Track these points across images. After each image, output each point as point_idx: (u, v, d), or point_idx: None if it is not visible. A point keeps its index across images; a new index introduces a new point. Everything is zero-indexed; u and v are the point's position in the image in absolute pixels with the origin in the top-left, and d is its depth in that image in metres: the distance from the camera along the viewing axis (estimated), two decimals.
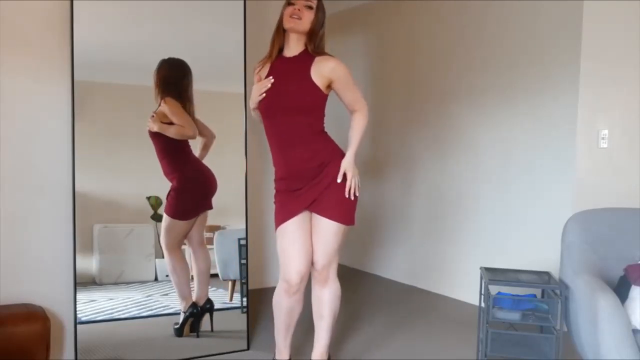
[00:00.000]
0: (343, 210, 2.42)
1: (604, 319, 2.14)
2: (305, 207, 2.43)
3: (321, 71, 2.35)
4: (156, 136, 2.83)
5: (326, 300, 2.53)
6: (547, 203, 3.53)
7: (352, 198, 2.42)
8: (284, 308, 2.52)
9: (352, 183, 2.40)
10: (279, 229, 2.47)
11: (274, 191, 2.53)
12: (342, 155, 2.43)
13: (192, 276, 2.97)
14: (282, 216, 2.45)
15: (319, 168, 2.40)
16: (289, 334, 2.59)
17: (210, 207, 2.98)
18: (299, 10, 2.33)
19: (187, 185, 2.91)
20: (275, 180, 2.50)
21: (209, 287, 3.01)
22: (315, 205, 2.42)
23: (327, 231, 2.43)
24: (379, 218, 4.85)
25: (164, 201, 2.88)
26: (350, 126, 2.48)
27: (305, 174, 2.40)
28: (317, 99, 2.37)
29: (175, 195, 2.87)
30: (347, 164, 2.41)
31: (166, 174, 2.86)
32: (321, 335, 2.56)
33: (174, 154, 2.88)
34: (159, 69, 2.82)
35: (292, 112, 2.37)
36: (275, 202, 2.52)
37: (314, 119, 2.41)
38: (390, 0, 4.72)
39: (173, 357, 2.84)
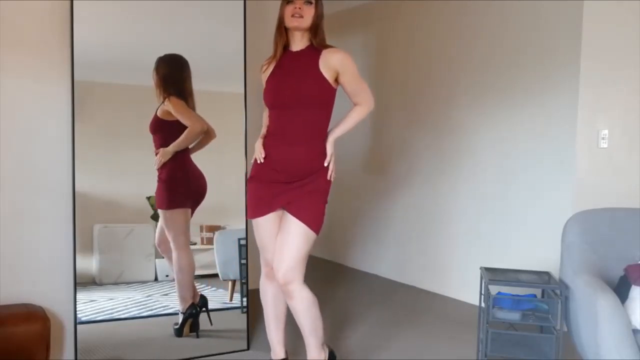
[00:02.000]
0: (313, 216, 2.37)
1: (604, 319, 2.14)
2: (281, 205, 2.40)
3: (329, 63, 2.34)
4: (159, 130, 2.84)
5: (299, 310, 2.42)
6: (547, 203, 3.53)
7: (331, 180, 2.40)
8: (269, 296, 2.53)
9: (332, 164, 2.39)
10: (255, 221, 2.46)
11: (250, 176, 2.47)
12: (323, 170, 2.39)
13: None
14: (259, 210, 2.43)
15: (309, 171, 2.38)
16: (279, 328, 2.57)
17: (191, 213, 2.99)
18: (299, 8, 2.30)
19: (178, 180, 2.90)
20: (259, 166, 2.43)
21: (210, 287, 3.01)
22: (290, 206, 2.38)
23: (296, 233, 2.36)
24: (378, 217, 4.84)
25: None
26: (349, 111, 2.45)
27: (299, 172, 2.37)
28: (325, 91, 2.35)
29: (165, 186, 2.86)
30: (330, 145, 2.39)
31: (159, 167, 2.85)
32: (309, 340, 2.49)
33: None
34: (157, 68, 2.82)
35: (300, 106, 2.34)
36: (250, 188, 2.48)
37: (322, 116, 2.40)
38: (390, 0, 4.72)
39: (173, 357, 2.84)
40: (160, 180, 2.86)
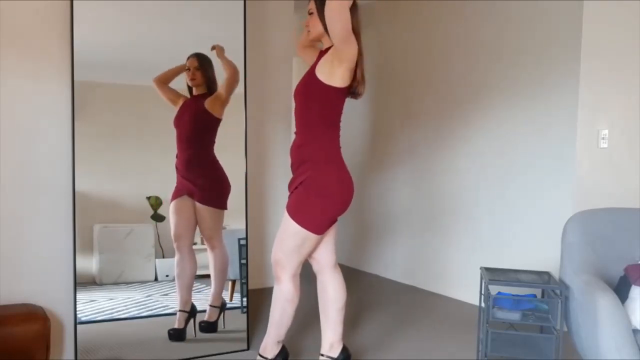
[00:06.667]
0: (299, 209, 2.39)
1: (604, 319, 2.14)
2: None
3: (325, 59, 2.42)
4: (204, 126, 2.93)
5: (274, 299, 2.52)
6: (547, 203, 3.53)
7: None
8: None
9: None
10: None
11: None
12: (321, 165, 2.39)
13: (175, 278, 2.98)
14: None
15: (298, 162, 2.44)
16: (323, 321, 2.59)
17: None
18: (307, 24, 2.47)
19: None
20: None
21: (210, 287, 3.02)
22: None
23: (282, 223, 2.45)
24: (379, 217, 4.85)
25: (164, 201, 2.88)
26: None
27: (293, 160, 2.47)
28: (309, 85, 2.42)
29: (226, 186, 2.97)
30: None
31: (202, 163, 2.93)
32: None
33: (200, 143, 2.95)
34: (205, 66, 2.91)
35: (296, 97, 2.48)
36: None
37: (314, 108, 2.42)
38: (390, 0, 4.72)
39: (173, 357, 2.84)
40: (225, 180, 2.98)
